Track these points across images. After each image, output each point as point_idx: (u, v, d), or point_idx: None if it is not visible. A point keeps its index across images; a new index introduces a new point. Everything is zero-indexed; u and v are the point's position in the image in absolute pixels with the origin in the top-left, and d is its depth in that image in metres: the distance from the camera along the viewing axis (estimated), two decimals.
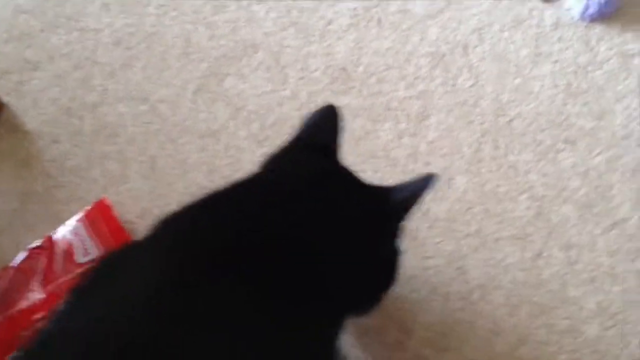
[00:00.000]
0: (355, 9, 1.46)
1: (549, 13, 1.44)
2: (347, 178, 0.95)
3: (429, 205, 1.26)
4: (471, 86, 1.39)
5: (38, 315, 1.12)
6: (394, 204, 0.92)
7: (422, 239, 1.25)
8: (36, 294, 1.14)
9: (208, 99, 1.37)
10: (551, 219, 1.25)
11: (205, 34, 1.43)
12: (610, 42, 1.40)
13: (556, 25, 1.43)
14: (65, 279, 1.15)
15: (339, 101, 1.35)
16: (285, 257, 0.82)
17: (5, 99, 1.37)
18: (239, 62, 1.40)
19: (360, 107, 1.36)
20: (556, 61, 1.40)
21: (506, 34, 1.43)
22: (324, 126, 1.01)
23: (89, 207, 1.23)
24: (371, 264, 0.94)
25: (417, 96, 1.38)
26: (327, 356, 0.87)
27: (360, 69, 1.40)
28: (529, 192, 1.28)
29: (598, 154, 1.31)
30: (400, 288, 1.17)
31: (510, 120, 1.35)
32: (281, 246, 0.82)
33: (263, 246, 0.81)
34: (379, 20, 1.46)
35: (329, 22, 1.45)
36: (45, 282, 1.15)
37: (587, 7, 1.41)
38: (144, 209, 1.26)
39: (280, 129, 1.34)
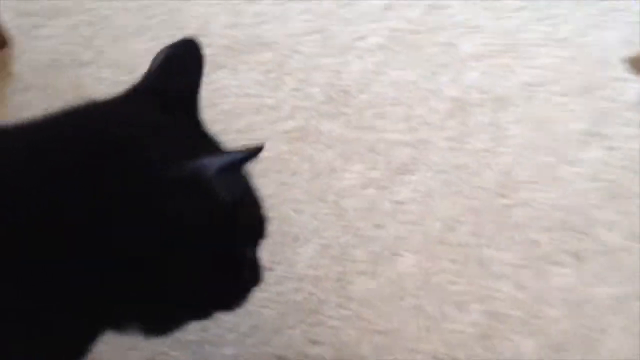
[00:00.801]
0: (395, 29, 1.22)
1: (634, 88, 1.07)
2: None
3: (350, 277, 0.98)
4: (484, 150, 1.07)
5: None
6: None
7: (316, 310, 0.97)
8: None
9: None
10: (499, 351, 0.91)
11: (225, 20, 1.29)
12: None
13: (635, 104, 1.05)
14: None
15: (321, 124, 1.13)
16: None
17: (19, 39, 1.35)
18: (240, 56, 1.24)
19: (340, 138, 1.12)
20: (611, 148, 1.03)
21: (565, 99, 1.09)
22: (181, 69, 0.80)
23: None
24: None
25: (412, 144, 1.10)
26: None
27: (364, 96, 1.16)
28: (487, 303, 0.94)
29: (608, 286, 0.93)
30: None
31: (512, 206, 1.02)
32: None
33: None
34: (414, 48, 1.19)
35: (360, 38, 1.22)
36: None
37: None
38: None
39: (243, 136, 1.15)
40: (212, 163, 0.68)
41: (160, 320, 0.77)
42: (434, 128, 1.11)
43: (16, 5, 1.38)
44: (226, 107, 1.20)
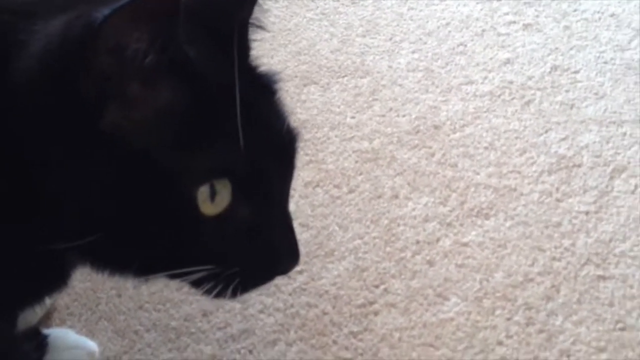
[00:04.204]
0: (510, 82, 1.07)
1: None
2: None
3: (378, 307, 0.79)
4: (584, 212, 0.87)
5: None
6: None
7: (323, 332, 0.78)
8: None
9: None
10: None
11: (334, 45, 1.21)
12: None
13: None
14: None
15: (398, 152, 0.99)
16: None
17: None
18: (337, 78, 1.14)
19: (414, 168, 0.97)
20: None
21: None
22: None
23: None
24: None
25: (496, 189, 0.92)
26: None
27: (455, 135, 1.01)
28: None
29: None
30: None
31: (605, 278, 0.80)
32: None
33: None
34: (527, 102, 1.04)
35: (468, 83, 1.09)
36: None
37: None
38: None
39: (307, 146, 1.02)
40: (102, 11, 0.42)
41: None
42: (528, 179, 0.93)
43: None
44: (303, 117, 1.08)
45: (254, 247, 0.53)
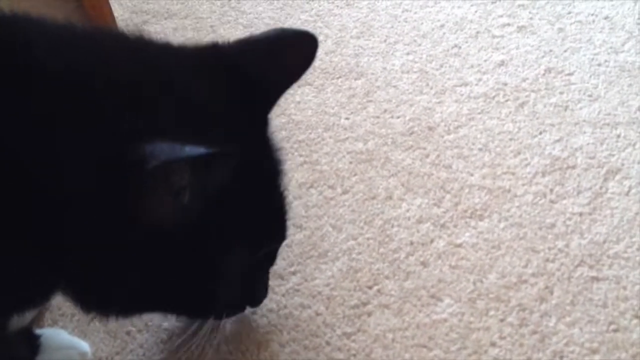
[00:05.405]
0: (505, 83, 1.07)
1: None
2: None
3: (371, 308, 0.79)
4: (578, 214, 0.87)
5: None
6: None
7: (316, 333, 0.78)
8: None
9: None
10: None
11: (329, 47, 1.21)
12: None
13: None
14: None
15: (392, 153, 0.99)
16: None
17: None
18: (331, 80, 1.14)
19: (409, 169, 0.96)
20: None
21: None
22: (281, 60, 0.66)
23: None
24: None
25: (490, 190, 0.92)
26: None
27: (450, 137, 1.01)
28: None
29: None
30: None
31: (598, 280, 0.80)
32: None
33: None
34: (522, 103, 1.04)
35: (463, 85, 1.09)
36: None
37: None
38: None
39: (303, 147, 1.02)
40: (161, 152, 0.51)
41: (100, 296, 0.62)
42: (522, 181, 0.93)
43: (133, 4, 1.38)
44: (297, 118, 1.08)
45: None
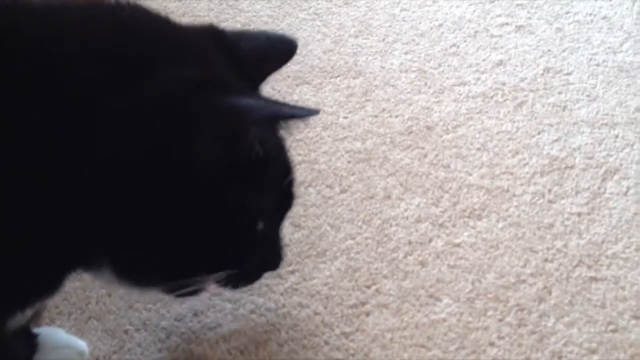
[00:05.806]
0: (503, 83, 1.07)
1: None
2: None
3: (369, 308, 0.79)
4: (576, 214, 0.87)
5: None
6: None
7: (314, 333, 0.78)
8: None
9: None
10: None
11: (327, 46, 1.21)
12: None
13: None
14: None
15: (390, 152, 0.98)
16: None
17: None
18: (329, 78, 1.13)
19: (407, 168, 0.96)
20: None
21: None
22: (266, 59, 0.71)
23: None
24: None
25: (488, 190, 0.92)
26: None
27: (448, 136, 1.01)
28: None
29: None
30: None
31: (597, 280, 0.80)
32: None
33: None
34: (520, 103, 1.04)
35: (461, 84, 1.09)
36: None
37: None
38: None
39: (299, 146, 1.02)
40: (260, 108, 0.58)
41: (135, 266, 0.62)
42: (520, 181, 0.93)
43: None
44: None
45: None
